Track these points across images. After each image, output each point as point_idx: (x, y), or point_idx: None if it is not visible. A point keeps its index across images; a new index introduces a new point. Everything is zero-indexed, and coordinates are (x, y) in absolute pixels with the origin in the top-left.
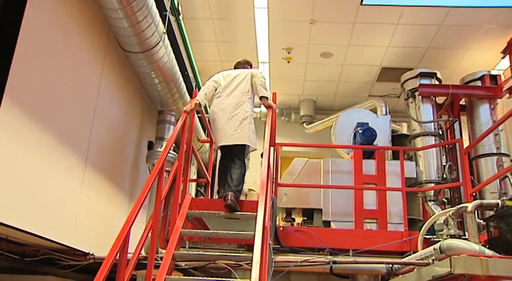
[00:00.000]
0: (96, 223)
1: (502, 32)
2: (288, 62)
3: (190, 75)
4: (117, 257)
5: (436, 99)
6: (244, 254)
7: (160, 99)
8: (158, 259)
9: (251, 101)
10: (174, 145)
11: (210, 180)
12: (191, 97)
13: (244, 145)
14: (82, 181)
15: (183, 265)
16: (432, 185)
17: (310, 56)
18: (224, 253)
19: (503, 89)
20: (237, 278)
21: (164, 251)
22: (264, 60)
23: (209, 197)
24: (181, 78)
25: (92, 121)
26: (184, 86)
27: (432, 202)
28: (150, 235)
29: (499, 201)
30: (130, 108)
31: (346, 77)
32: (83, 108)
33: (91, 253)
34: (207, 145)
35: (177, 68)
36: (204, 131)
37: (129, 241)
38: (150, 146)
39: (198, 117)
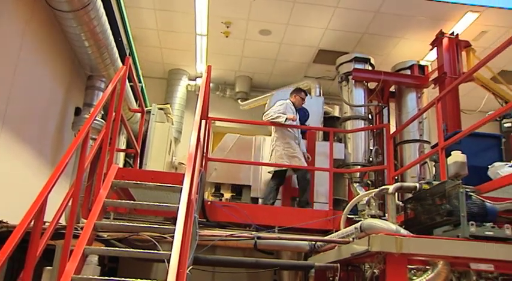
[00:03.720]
0: (12, 191)
1: (433, 25)
2: (226, 37)
3: (124, 41)
4: (32, 225)
5: (368, 85)
6: (168, 227)
7: (90, 64)
8: (79, 228)
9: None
10: (102, 112)
11: (139, 151)
12: (123, 64)
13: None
14: None
15: (106, 235)
16: (358, 167)
17: (249, 32)
18: (148, 225)
19: (430, 80)
20: (160, 251)
21: (86, 220)
22: (202, 32)
23: (137, 168)
24: (113, 44)
25: (10, 84)
26: (117, 52)
27: (357, 184)
28: (70, 203)
29: (417, 184)
30: (56, 71)
31: (283, 56)
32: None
33: (4, 220)
34: (138, 115)
35: (109, 32)
36: (136, 101)
37: (45, 209)
38: (77, 112)
39: (130, 85)
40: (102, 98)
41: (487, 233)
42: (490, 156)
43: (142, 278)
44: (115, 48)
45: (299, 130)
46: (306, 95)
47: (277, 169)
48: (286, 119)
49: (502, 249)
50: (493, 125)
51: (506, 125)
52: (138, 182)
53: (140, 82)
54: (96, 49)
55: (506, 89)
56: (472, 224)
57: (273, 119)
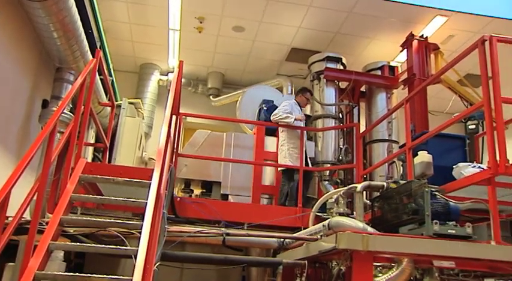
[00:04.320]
0: None
1: (403, 27)
2: (200, 32)
3: (95, 34)
4: None
5: (340, 84)
6: (136, 222)
7: (59, 56)
8: (44, 223)
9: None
10: (71, 105)
11: (108, 145)
12: (93, 56)
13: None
14: None
15: (72, 231)
16: (328, 165)
17: (222, 28)
18: (116, 221)
19: (399, 80)
20: (128, 246)
21: (51, 215)
22: (175, 27)
23: (106, 162)
24: (84, 36)
25: None
26: (87, 45)
27: (327, 182)
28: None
29: (384, 183)
30: (22, 62)
31: (256, 54)
32: None
33: None
34: (108, 109)
35: (79, 23)
36: (106, 95)
37: (8, 203)
38: (45, 104)
39: (101, 79)
40: (70, 90)
41: (449, 231)
42: (454, 156)
43: (109, 275)
44: (85, 41)
45: (305, 131)
46: (312, 94)
47: (283, 168)
48: (295, 119)
49: (463, 247)
50: (458, 126)
51: (470, 126)
52: (106, 177)
53: (111, 76)
54: (65, 41)
55: (472, 92)
56: (436, 223)
57: (282, 119)
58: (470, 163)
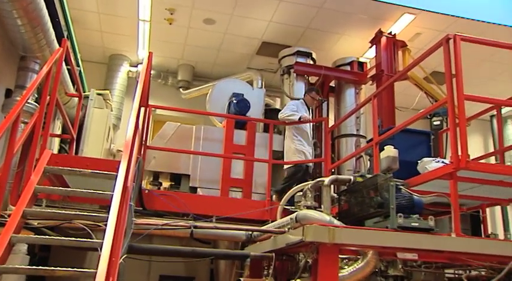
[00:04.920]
0: None
1: (373, 24)
2: (170, 24)
3: (62, 23)
4: None
5: (309, 79)
6: (102, 215)
7: (23, 44)
8: (6, 216)
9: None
10: (36, 95)
11: (75, 137)
12: (60, 45)
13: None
14: None
15: (36, 223)
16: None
17: (192, 21)
18: (81, 213)
19: (368, 76)
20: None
21: (14, 208)
22: (145, 18)
23: (73, 154)
24: (50, 24)
25: None
26: (54, 33)
27: None
28: None
29: (351, 177)
30: None
31: (227, 47)
32: None
33: None
34: (76, 99)
35: (45, 11)
36: (73, 85)
37: None
38: (8, 94)
39: (68, 69)
40: (35, 80)
41: (413, 224)
42: (419, 151)
43: (74, 268)
44: (51, 29)
45: (311, 129)
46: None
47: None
48: (300, 117)
49: (426, 239)
50: (424, 122)
51: (435, 122)
52: (72, 169)
53: (78, 66)
54: (30, 28)
55: (437, 89)
56: (400, 216)
57: (288, 116)
58: (434, 158)
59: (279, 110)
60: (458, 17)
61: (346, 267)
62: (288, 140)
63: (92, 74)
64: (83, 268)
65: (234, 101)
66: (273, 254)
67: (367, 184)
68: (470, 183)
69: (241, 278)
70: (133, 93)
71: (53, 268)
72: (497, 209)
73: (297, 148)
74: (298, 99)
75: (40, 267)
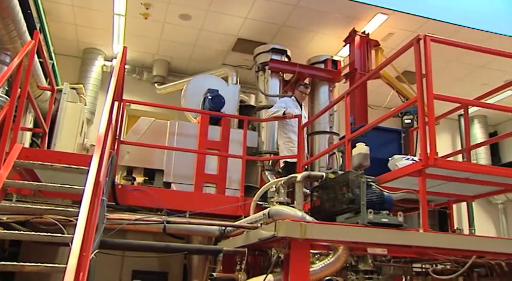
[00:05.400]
0: None
1: (347, 23)
2: (146, 19)
3: (34, 14)
4: None
5: (284, 76)
6: (73, 210)
7: None
8: None
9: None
10: (6, 88)
11: (47, 131)
12: (32, 38)
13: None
14: None
15: (5, 218)
16: (271, 155)
17: (168, 16)
18: (52, 208)
19: (341, 74)
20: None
21: None
22: (120, 12)
23: (45, 148)
24: (21, 15)
25: None
26: (25, 25)
27: (269, 171)
28: None
29: (323, 173)
30: None
31: (202, 43)
32: None
33: None
34: (48, 93)
35: (16, 2)
36: (46, 78)
37: None
38: None
39: (40, 62)
40: (5, 72)
41: (383, 220)
42: (390, 149)
43: (45, 263)
44: (23, 21)
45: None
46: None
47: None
48: (284, 112)
49: (395, 234)
50: (395, 120)
51: (406, 121)
52: (44, 163)
53: (51, 59)
54: (0, 19)
55: (408, 88)
56: (371, 212)
57: (273, 113)
58: (404, 156)
59: (253, 107)
60: (430, 18)
61: (317, 262)
62: (279, 138)
63: (66, 68)
64: (54, 263)
65: (209, 97)
66: (246, 249)
67: (339, 181)
68: (438, 180)
69: (214, 273)
70: (107, 87)
71: (22, 263)
72: (463, 205)
73: (285, 146)
74: (290, 96)
75: (8, 263)
